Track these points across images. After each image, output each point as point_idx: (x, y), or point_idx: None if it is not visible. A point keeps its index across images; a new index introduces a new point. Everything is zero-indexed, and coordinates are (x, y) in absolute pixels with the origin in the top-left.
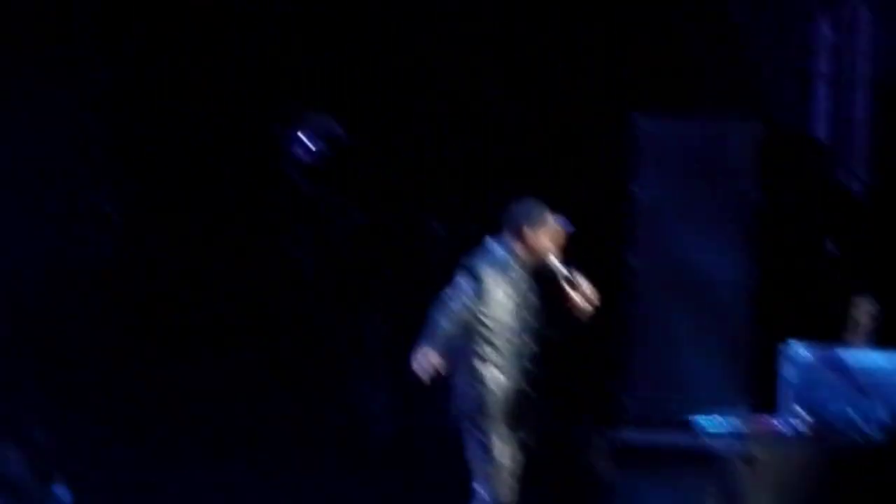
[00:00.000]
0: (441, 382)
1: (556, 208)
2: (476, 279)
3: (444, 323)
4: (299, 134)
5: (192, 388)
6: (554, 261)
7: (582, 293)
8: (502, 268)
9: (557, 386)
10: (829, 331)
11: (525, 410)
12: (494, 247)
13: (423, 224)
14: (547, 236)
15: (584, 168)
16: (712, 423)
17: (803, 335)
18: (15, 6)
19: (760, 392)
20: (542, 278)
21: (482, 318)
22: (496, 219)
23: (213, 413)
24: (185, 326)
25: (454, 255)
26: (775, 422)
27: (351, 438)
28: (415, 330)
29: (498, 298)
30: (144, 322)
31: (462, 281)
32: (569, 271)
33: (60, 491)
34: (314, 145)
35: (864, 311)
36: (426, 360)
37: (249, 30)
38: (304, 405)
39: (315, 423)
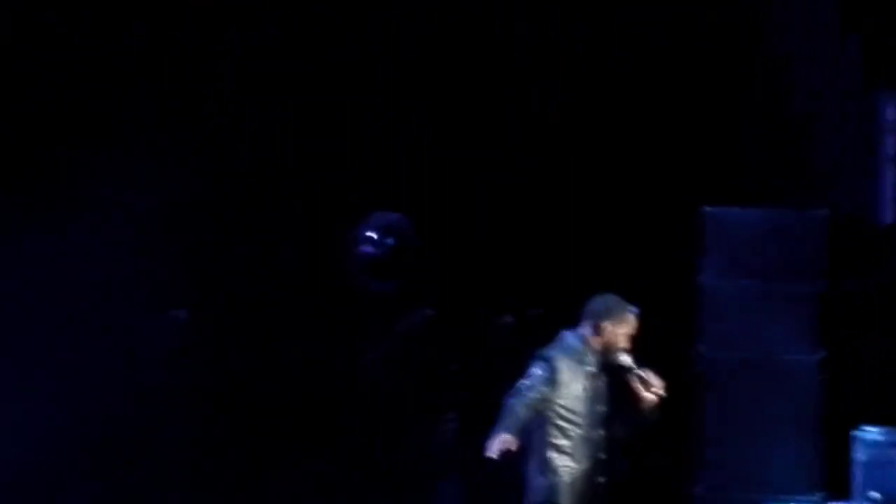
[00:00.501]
0: (513, 474)
1: (625, 299)
2: (552, 369)
3: (519, 410)
4: (365, 231)
5: (258, 476)
6: (626, 358)
7: (652, 389)
8: (577, 359)
9: (630, 476)
10: None
11: (597, 501)
12: (570, 338)
13: (492, 318)
14: (624, 333)
15: (653, 259)
16: None
17: (874, 419)
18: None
19: (833, 477)
20: (612, 371)
21: (556, 407)
22: (566, 310)
23: None
24: (255, 426)
25: (523, 348)
26: None
27: None
28: (485, 427)
29: (572, 389)
30: (217, 423)
31: (538, 370)
32: (639, 367)
33: None
34: (380, 242)
35: None
36: (500, 444)
37: (309, 135)
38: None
39: None
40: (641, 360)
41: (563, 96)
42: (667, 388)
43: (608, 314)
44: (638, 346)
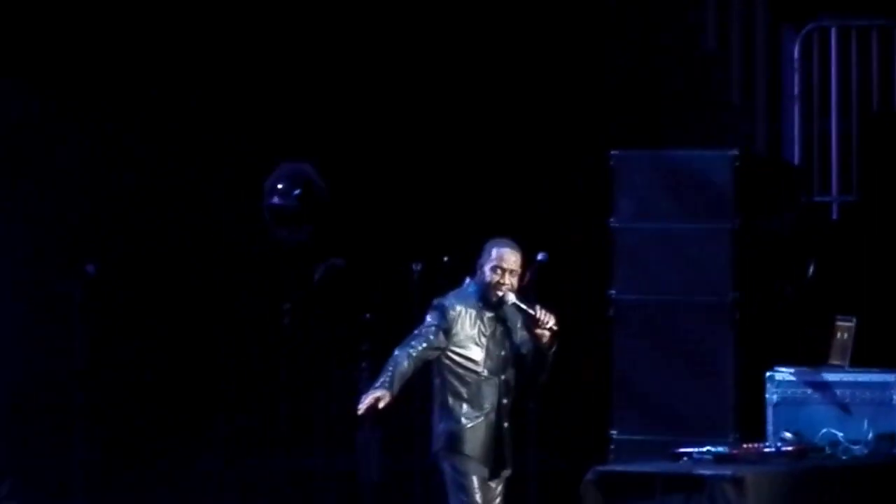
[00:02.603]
0: (426, 421)
1: (537, 246)
2: (443, 316)
3: (403, 362)
4: (273, 182)
5: (178, 428)
6: (510, 296)
7: (543, 325)
8: (473, 304)
9: (542, 422)
10: (812, 353)
11: (502, 447)
12: (468, 285)
13: (405, 268)
14: (499, 268)
15: (564, 205)
16: (700, 450)
17: (786, 358)
18: None
19: (747, 418)
20: (512, 314)
21: (452, 354)
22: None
23: (201, 461)
24: (168, 375)
25: (434, 295)
26: (762, 446)
27: (341, 488)
28: None
29: (469, 334)
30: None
31: (429, 318)
32: (526, 303)
33: None
34: (288, 192)
35: (845, 331)
36: (371, 400)
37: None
38: (294, 456)
39: (305, 472)
40: (556, 305)
41: (474, 41)
42: (576, 330)
43: (482, 254)
44: (550, 291)
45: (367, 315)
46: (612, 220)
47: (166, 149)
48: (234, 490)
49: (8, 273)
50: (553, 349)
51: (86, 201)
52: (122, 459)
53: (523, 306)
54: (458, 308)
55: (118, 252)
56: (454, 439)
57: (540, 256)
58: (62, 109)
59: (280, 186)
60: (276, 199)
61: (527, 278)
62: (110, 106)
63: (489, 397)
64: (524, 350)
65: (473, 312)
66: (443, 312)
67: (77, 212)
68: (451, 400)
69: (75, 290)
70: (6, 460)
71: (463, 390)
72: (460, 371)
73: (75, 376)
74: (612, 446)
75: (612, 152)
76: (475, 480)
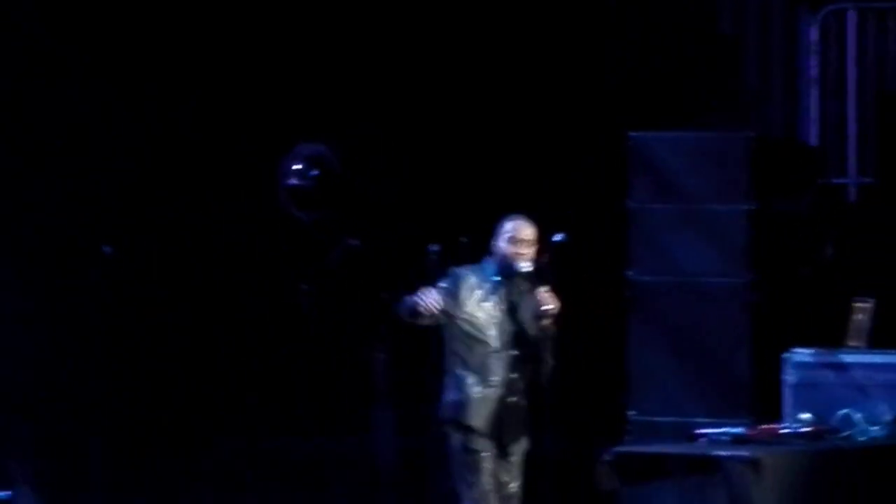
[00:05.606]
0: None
1: (555, 227)
2: (455, 283)
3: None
4: (290, 163)
5: (193, 410)
6: (523, 264)
7: (541, 302)
8: (489, 279)
9: (558, 402)
10: (830, 334)
11: (509, 422)
12: (486, 261)
13: (422, 249)
14: (509, 239)
15: (580, 185)
16: (716, 431)
17: (804, 340)
18: None
19: (764, 399)
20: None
21: (461, 322)
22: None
23: (217, 443)
24: (185, 358)
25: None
26: (779, 427)
27: (357, 467)
28: (415, 356)
29: (479, 305)
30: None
31: (441, 283)
32: (539, 279)
33: None
34: (305, 173)
35: (863, 312)
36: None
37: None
38: (308, 437)
39: (320, 453)
40: (573, 287)
41: (487, 23)
42: (597, 313)
43: (496, 231)
44: (569, 272)
45: (384, 296)
46: (629, 201)
47: (181, 130)
48: (249, 471)
49: (23, 255)
50: (550, 333)
51: (101, 182)
52: (137, 442)
53: (533, 278)
54: (473, 279)
55: (134, 234)
56: (460, 409)
57: (558, 237)
58: (81, 94)
59: (297, 167)
60: (292, 180)
61: (544, 259)
62: (122, 88)
63: (497, 371)
64: (533, 330)
65: (488, 286)
66: (454, 278)
67: (93, 193)
68: (458, 370)
69: (92, 271)
70: (21, 443)
71: (471, 361)
72: (469, 342)
73: (91, 359)
74: (629, 427)
75: (631, 134)
76: (484, 458)
